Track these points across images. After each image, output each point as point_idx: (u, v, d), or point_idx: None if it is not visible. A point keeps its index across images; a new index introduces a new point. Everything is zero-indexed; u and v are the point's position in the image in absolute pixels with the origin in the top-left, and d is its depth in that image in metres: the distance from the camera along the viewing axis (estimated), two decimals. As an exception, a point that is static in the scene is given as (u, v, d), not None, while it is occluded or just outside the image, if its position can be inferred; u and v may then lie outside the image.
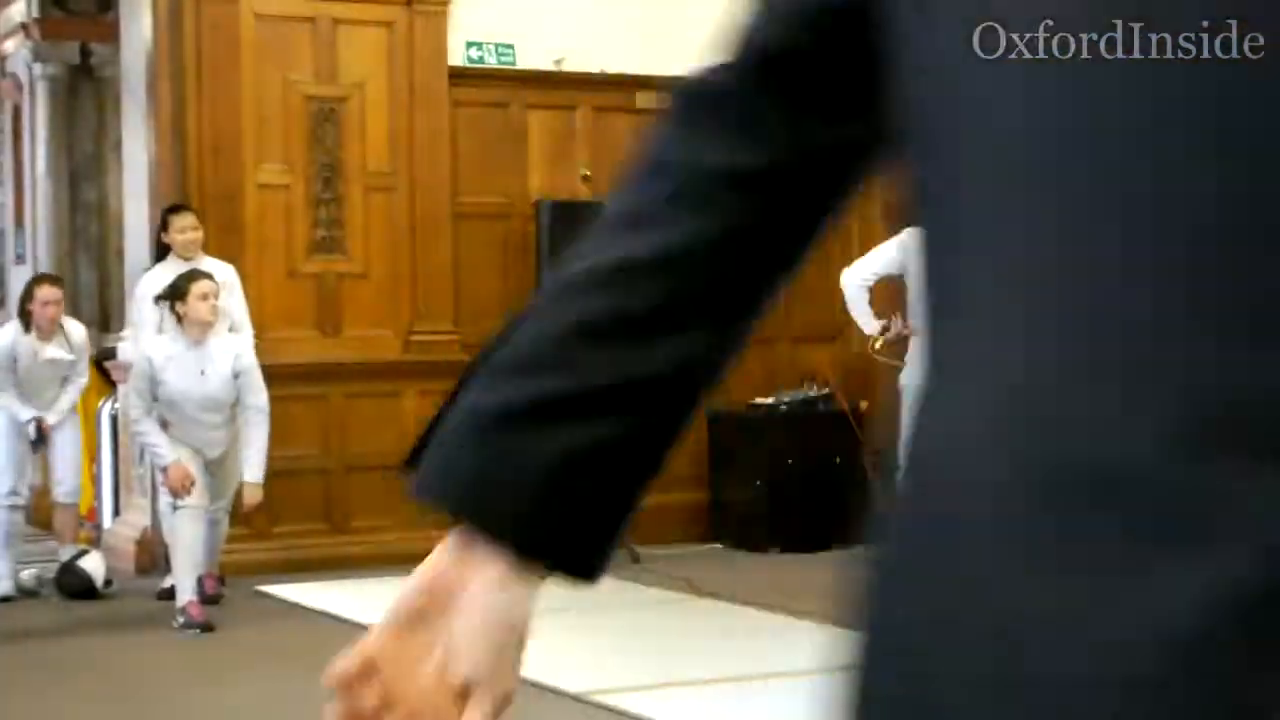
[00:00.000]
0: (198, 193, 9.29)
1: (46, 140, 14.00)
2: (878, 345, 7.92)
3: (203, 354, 7.81)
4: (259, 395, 7.94)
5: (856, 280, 7.86)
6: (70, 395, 8.86)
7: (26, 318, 8.72)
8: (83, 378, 8.98)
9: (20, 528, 8.79)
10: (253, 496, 7.95)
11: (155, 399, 7.82)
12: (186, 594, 7.77)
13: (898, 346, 7.83)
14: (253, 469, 7.92)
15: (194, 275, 7.94)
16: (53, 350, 8.70)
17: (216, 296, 7.86)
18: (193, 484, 7.74)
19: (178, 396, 7.77)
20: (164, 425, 7.82)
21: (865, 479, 9.02)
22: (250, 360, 7.96)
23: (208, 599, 8.03)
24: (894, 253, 7.62)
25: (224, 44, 9.45)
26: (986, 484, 0.84)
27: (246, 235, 9.41)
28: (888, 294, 8.01)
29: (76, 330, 8.96)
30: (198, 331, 7.80)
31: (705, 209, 1.04)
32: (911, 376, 7.53)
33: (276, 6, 9.61)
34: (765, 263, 1.07)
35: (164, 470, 7.81)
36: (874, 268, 7.81)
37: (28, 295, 8.80)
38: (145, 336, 8.88)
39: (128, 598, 8.63)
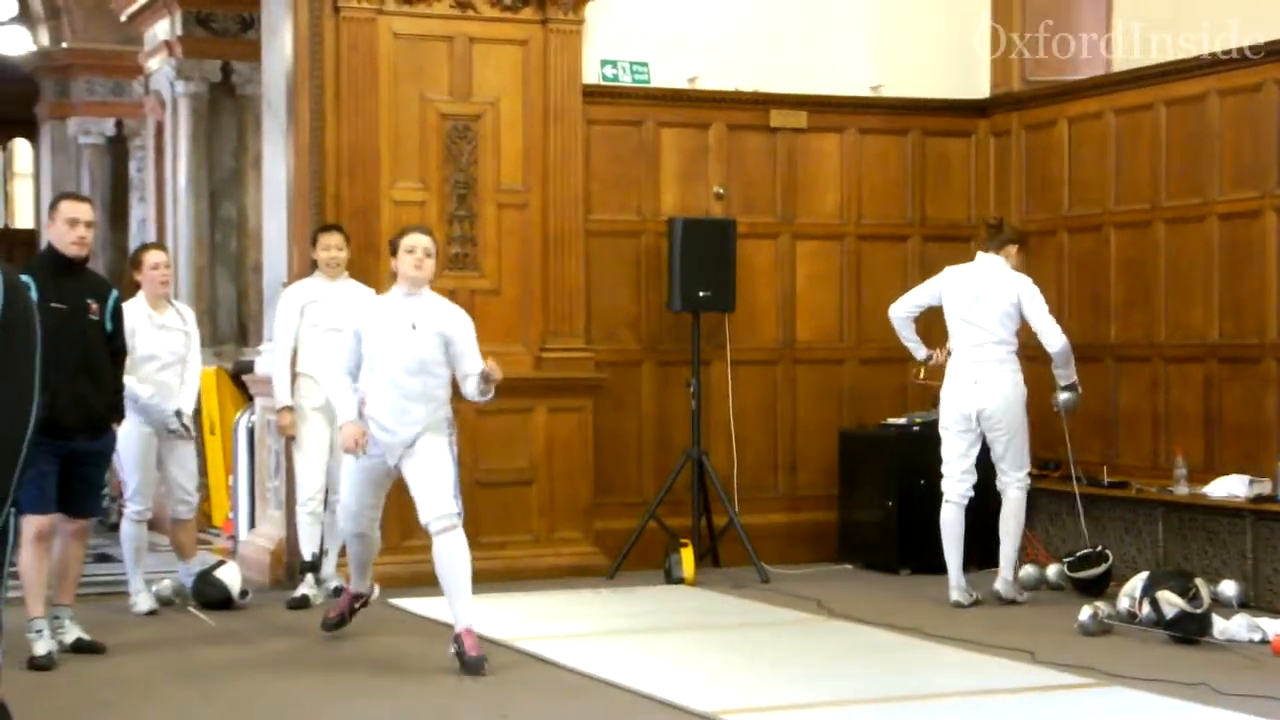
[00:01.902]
0: (334, 209, 9.40)
1: (188, 156, 14.25)
2: (921, 374, 9.12)
3: (415, 306, 7.41)
4: (476, 364, 7.36)
5: (901, 313, 8.92)
6: (193, 381, 8.81)
7: (136, 287, 8.81)
8: (198, 362, 8.92)
9: (146, 540, 8.88)
10: (492, 367, 7.29)
11: (357, 375, 7.42)
12: (353, 585, 7.84)
13: (937, 371, 8.95)
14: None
15: (405, 231, 7.60)
16: (167, 318, 8.76)
17: (428, 254, 7.40)
18: (367, 443, 7.34)
19: (383, 351, 7.35)
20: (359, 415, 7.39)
21: (996, 500, 8.91)
22: (467, 330, 7.40)
23: (468, 663, 7.16)
24: (934, 288, 8.87)
25: (362, 62, 9.55)
26: None
27: (382, 251, 9.47)
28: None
29: (187, 310, 9.02)
30: (409, 285, 7.44)
31: None
32: (946, 392, 8.77)
33: (414, 26, 9.70)
34: None
35: (340, 429, 7.51)
36: (916, 301, 8.93)
37: (136, 265, 8.85)
38: (281, 350, 8.95)
39: (262, 609, 8.73)
